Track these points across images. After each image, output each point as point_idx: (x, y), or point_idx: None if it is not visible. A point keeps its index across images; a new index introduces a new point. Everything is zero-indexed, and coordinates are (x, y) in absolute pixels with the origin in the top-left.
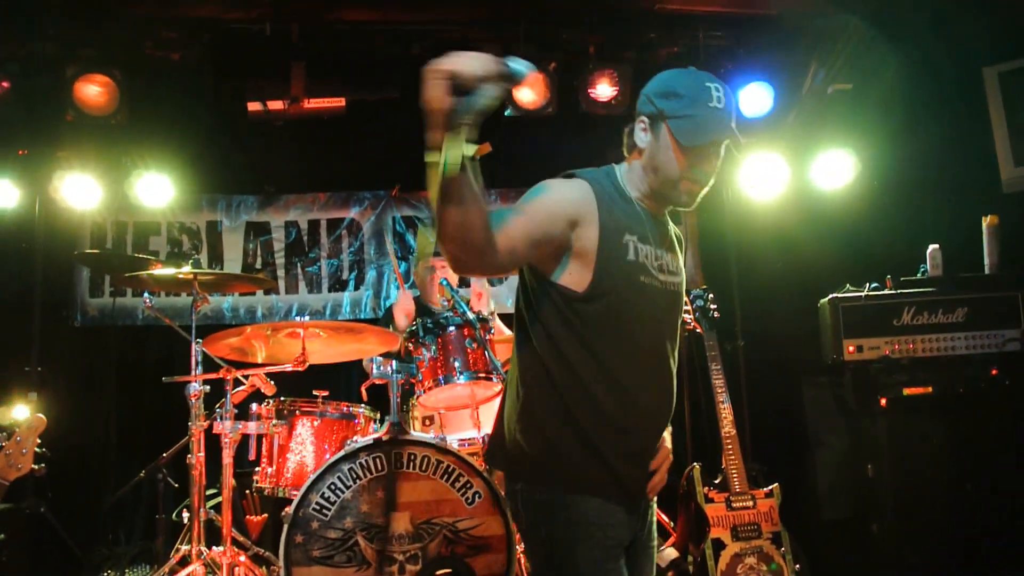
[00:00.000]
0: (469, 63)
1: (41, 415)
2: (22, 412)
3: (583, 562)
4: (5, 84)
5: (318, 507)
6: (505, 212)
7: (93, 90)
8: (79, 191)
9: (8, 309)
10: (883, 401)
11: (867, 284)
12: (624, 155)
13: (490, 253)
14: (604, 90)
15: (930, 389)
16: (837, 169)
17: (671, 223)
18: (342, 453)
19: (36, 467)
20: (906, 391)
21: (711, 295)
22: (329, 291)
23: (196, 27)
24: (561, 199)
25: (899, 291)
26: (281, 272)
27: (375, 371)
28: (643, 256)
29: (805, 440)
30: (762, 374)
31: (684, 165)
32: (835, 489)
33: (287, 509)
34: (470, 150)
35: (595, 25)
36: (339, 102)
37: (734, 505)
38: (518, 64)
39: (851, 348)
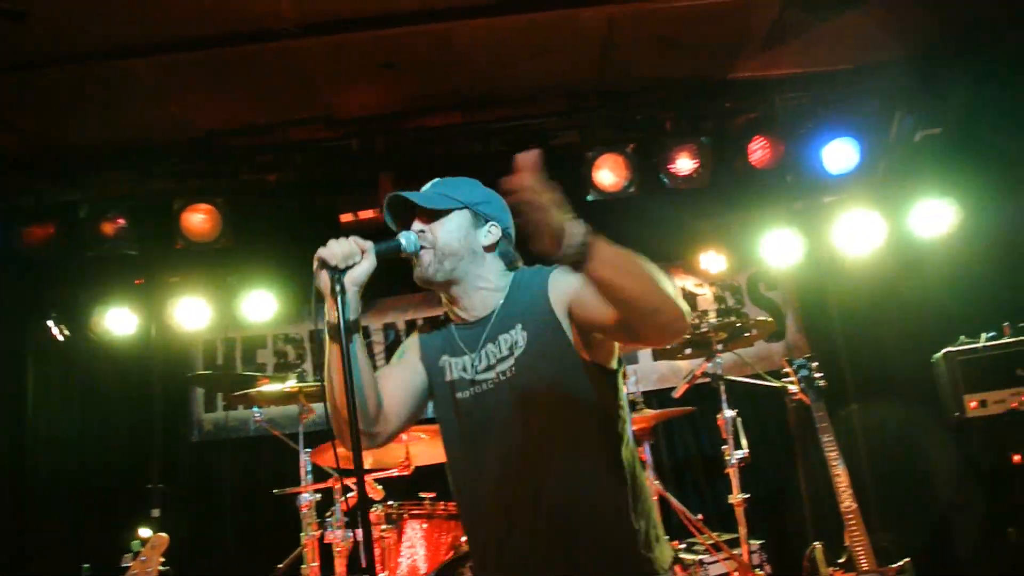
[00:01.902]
0: (331, 250)
1: (164, 534)
2: (145, 531)
3: None
4: (120, 221)
5: None
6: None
7: (198, 218)
8: (190, 313)
9: (130, 430)
10: (1016, 458)
11: (983, 334)
12: None
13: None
14: (684, 164)
15: None
16: (936, 218)
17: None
18: (452, 556)
19: None
20: None
21: (815, 363)
22: None
23: (288, 150)
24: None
25: (1019, 338)
26: None
27: None
28: (457, 370)
29: (936, 505)
30: (881, 438)
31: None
32: (976, 555)
33: None
34: (350, 314)
35: (669, 102)
36: None
37: None
38: (393, 242)
39: (973, 404)
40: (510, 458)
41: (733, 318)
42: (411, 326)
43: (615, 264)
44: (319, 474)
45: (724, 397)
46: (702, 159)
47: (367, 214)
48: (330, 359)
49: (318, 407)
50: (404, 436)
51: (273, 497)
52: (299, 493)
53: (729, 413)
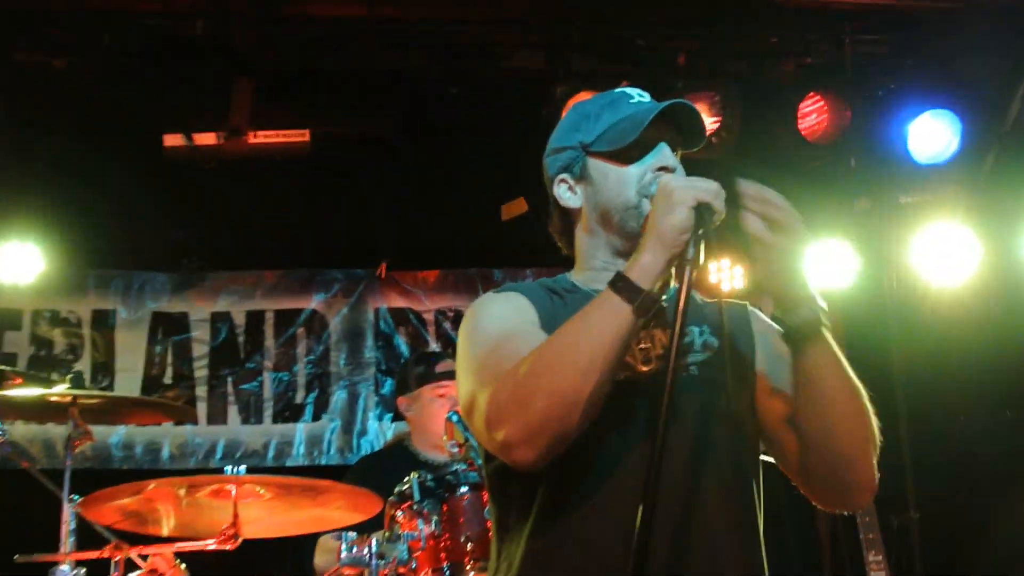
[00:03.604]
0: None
1: None
2: None
3: None
4: None
5: None
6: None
7: None
8: None
9: None
10: None
11: None
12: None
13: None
14: None
15: None
16: None
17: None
18: None
19: None
20: None
21: None
22: (274, 421)
23: (93, 22)
24: (519, 306)
25: None
26: (202, 390)
27: (344, 555)
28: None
29: None
30: (954, 562)
31: (636, 177)
32: None
33: None
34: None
35: (684, 27)
36: (301, 136)
37: None
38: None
39: None
40: (700, 449)
41: None
42: (255, 320)
43: (840, 368)
44: (87, 536)
45: None
46: (727, 115)
47: (206, 138)
48: (611, 329)
49: (99, 431)
50: (232, 490)
51: (13, 567)
52: (55, 563)
53: None
